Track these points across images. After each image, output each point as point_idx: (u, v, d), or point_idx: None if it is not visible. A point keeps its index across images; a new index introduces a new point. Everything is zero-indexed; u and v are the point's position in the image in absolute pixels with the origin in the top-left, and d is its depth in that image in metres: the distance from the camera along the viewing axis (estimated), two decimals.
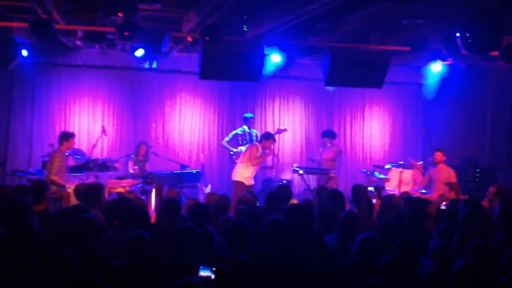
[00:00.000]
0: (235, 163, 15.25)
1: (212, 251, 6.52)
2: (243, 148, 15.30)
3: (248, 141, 15.52)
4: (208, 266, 5.45)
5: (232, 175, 13.76)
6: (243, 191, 12.30)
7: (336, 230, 7.94)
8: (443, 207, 11.35)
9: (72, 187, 11.03)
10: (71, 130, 14.66)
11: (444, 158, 13.18)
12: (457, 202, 9.79)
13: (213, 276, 5.38)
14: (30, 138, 15.44)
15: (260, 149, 13.62)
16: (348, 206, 9.73)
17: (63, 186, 11.56)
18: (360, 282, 5.29)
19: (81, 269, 5.43)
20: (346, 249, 7.05)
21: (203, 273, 5.38)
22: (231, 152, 15.73)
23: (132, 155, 14.34)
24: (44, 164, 12.83)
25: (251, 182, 13.63)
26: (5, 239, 6.17)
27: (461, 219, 7.81)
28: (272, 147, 13.81)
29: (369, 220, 8.87)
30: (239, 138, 15.66)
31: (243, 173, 13.50)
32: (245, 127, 15.79)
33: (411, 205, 8.81)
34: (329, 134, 15.58)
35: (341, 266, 6.43)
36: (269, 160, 15.79)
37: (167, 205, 8.21)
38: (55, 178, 11.62)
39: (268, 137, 13.71)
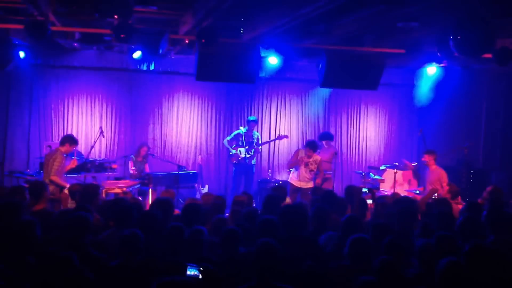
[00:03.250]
0: (234, 163, 15.43)
1: (201, 250, 6.52)
2: (242, 150, 15.35)
3: (245, 142, 15.50)
4: (195, 265, 5.46)
5: None
6: (292, 192, 13.08)
7: (329, 229, 7.97)
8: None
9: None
10: (69, 131, 14.75)
11: (433, 160, 13.13)
12: (446, 203, 9.82)
13: (200, 276, 5.38)
14: (28, 140, 15.41)
15: (301, 153, 13.96)
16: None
17: (63, 187, 11.54)
18: (357, 281, 5.32)
19: (78, 269, 5.42)
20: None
21: (191, 272, 5.39)
22: (230, 153, 15.75)
23: (132, 156, 14.36)
24: (41, 165, 12.83)
25: (299, 184, 13.97)
26: (2, 240, 6.18)
27: (459, 221, 7.80)
28: (306, 155, 13.91)
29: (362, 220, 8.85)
30: (240, 139, 15.65)
31: (291, 175, 14.18)
32: (247, 128, 15.75)
33: (400, 205, 8.82)
34: (327, 137, 15.62)
35: (334, 267, 6.43)
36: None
37: (160, 205, 8.24)
38: (55, 178, 11.58)
39: (306, 145, 14.03)
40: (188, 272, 5.37)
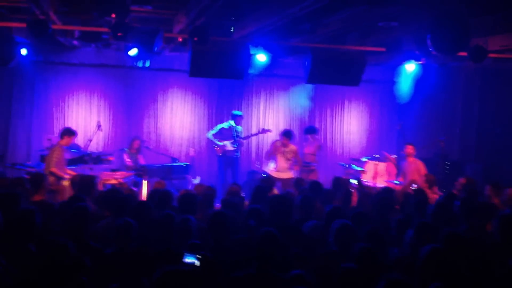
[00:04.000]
0: (218, 155, 15.37)
1: (190, 237, 6.48)
2: (227, 143, 15.29)
3: (232, 136, 15.45)
4: (193, 253, 5.41)
5: None
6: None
7: (314, 218, 7.96)
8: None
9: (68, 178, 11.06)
10: (68, 125, 14.69)
11: (415, 152, 13.20)
12: (423, 193, 9.84)
13: (197, 263, 5.34)
14: (29, 133, 15.41)
15: (278, 143, 13.99)
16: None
17: (61, 178, 11.52)
18: (340, 269, 5.29)
19: (75, 256, 5.39)
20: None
21: (188, 259, 5.35)
22: (215, 146, 15.67)
23: (126, 149, 14.32)
24: (42, 157, 12.79)
25: (278, 175, 13.80)
26: (5, 228, 6.15)
27: (432, 210, 7.82)
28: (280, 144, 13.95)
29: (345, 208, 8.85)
30: (225, 132, 15.58)
31: (269, 166, 14.13)
32: (231, 122, 15.69)
33: (379, 196, 8.85)
34: (312, 131, 15.59)
35: (321, 254, 6.42)
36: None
37: (159, 196, 8.21)
38: (54, 170, 11.60)
39: (282, 134, 14.08)
40: (185, 260, 5.32)
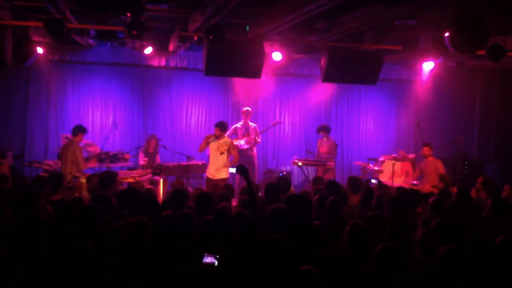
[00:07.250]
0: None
1: (213, 238, 6.49)
2: (242, 142, 15.22)
3: (245, 134, 15.42)
4: (212, 253, 5.42)
5: None
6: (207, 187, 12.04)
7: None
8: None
9: (84, 178, 11.15)
10: (84, 124, 14.74)
11: (431, 152, 13.18)
12: (446, 193, 9.80)
13: (216, 263, 5.35)
14: (46, 131, 15.49)
15: (209, 138, 13.00)
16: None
17: (79, 176, 11.61)
18: (357, 269, 5.28)
19: (92, 255, 5.42)
20: (334, 235, 7.05)
21: (208, 259, 5.36)
22: None
23: (143, 148, 14.37)
24: (59, 155, 12.85)
25: (210, 175, 12.98)
26: (16, 227, 6.18)
27: (446, 210, 7.82)
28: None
29: (365, 209, 8.84)
30: (238, 131, 15.54)
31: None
32: (248, 121, 15.67)
33: (400, 197, 8.83)
34: (324, 129, 15.57)
35: (332, 252, 6.42)
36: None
37: (175, 195, 8.22)
38: (74, 167, 11.72)
39: (215, 126, 13.02)
40: (205, 260, 5.33)
